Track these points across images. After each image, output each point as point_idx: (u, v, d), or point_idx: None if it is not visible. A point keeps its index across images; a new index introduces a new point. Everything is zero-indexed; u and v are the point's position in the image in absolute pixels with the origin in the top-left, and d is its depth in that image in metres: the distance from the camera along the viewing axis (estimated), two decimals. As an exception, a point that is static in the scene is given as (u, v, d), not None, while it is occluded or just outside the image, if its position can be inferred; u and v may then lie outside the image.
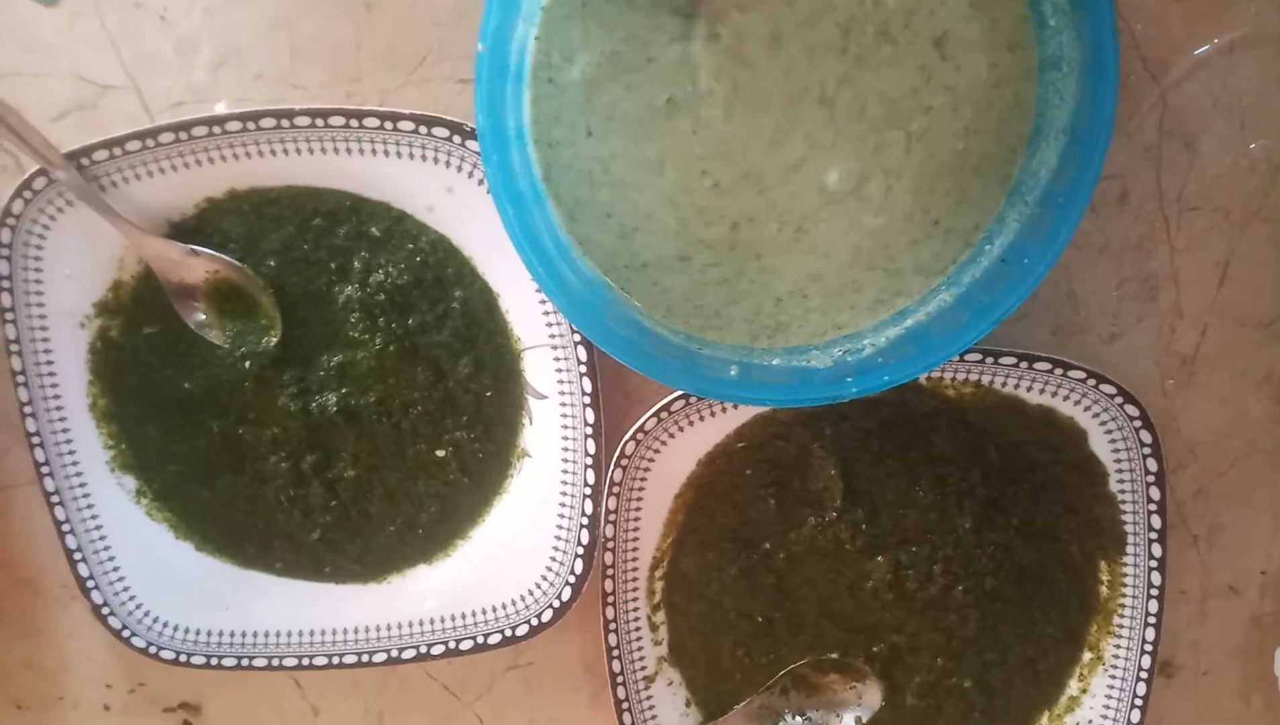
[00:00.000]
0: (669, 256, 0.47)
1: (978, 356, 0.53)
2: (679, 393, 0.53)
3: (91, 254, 0.55)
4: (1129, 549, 0.55)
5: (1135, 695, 0.56)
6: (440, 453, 0.57)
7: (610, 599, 0.56)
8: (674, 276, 0.48)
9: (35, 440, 0.56)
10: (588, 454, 0.54)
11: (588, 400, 0.53)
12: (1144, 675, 0.56)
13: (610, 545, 0.56)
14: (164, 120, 0.53)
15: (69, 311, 0.55)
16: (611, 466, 0.54)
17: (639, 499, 0.56)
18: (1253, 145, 0.52)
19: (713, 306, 0.48)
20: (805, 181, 0.46)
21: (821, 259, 0.47)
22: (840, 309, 0.48)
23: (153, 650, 0.58)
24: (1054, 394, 0.54)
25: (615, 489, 0.55)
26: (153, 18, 0.54)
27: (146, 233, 0.53)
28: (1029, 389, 0.54)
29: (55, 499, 0.56)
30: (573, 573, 0.55)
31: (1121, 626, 0.56)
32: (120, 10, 0.54)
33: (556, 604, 0.56)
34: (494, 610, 0.57)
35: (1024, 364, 0.53)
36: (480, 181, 0.52)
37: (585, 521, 0.55)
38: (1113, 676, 0.57)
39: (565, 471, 0.55)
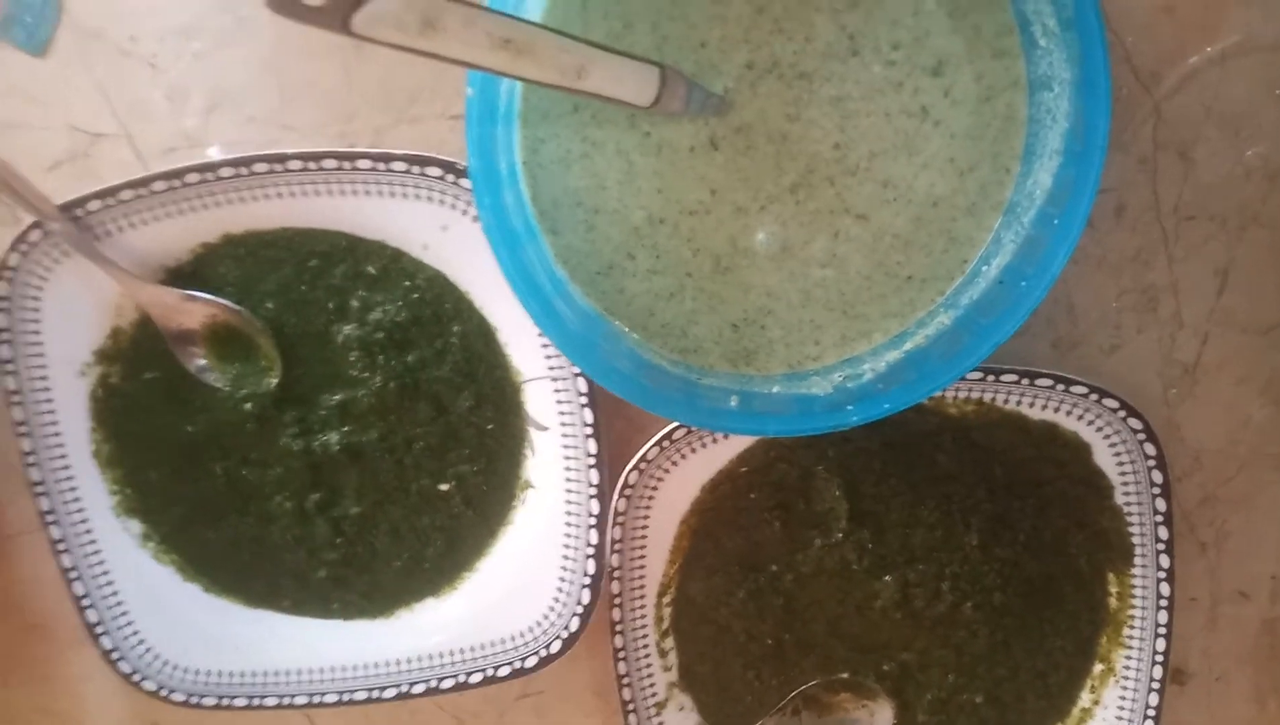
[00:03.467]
0: (619, 251, 0.47)
1: (979, 374, 0.52)
2: (680, 421, 0.53)
3: (89, 303, 0.55)
4: (1137, 561, 0.55)
5: (1148, 706, 0.56)
6: (444, 487, 0.57)
7: (619, 627, 0.56)
8: (627, 279, 0.48)
9: (39, 489, 0.56)
10: (591, 484, 0.54)
11: (589, 431, 0.53)
12: (1156, 686, 0.56)
13: (617, 574, 0.56)
14: (157, 167, 0.53)
15: (69, 360, 0.55)
16: (615, 496, 0.54)
17: (644, 527, 0.56)
18: (1248, 153, 0.52)
19: (677, 325, 0.48)
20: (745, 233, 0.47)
21: (765, 297, 0.48)
22: (804, 343, 0.48)
23: (164, 693, 0.58)
24: (1056, 409, 0.54)
25: (620, 518, 0.55)
26: (142, 65, 0.54)
27: (143, 280, 0.53)
28: (1031, 405, 0.54)
29: (61, 546, 0.56)
30: (580, 603, 0.55)
31: (1132, 638, 0.56)
32: (109, 59, 0.54)
33: (565, 634, 0.56)
34: (502, 642, 0.57)
35: (1025, 381, 0.52)
36: (474, 218, 0.52)
37: (591, 551, 0.55)
38: (1124, 688, 0.57)
39: (569, 502, 0.55)
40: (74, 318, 0.55)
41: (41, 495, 0.56)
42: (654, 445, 0.54)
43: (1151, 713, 0.56)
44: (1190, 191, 0.53)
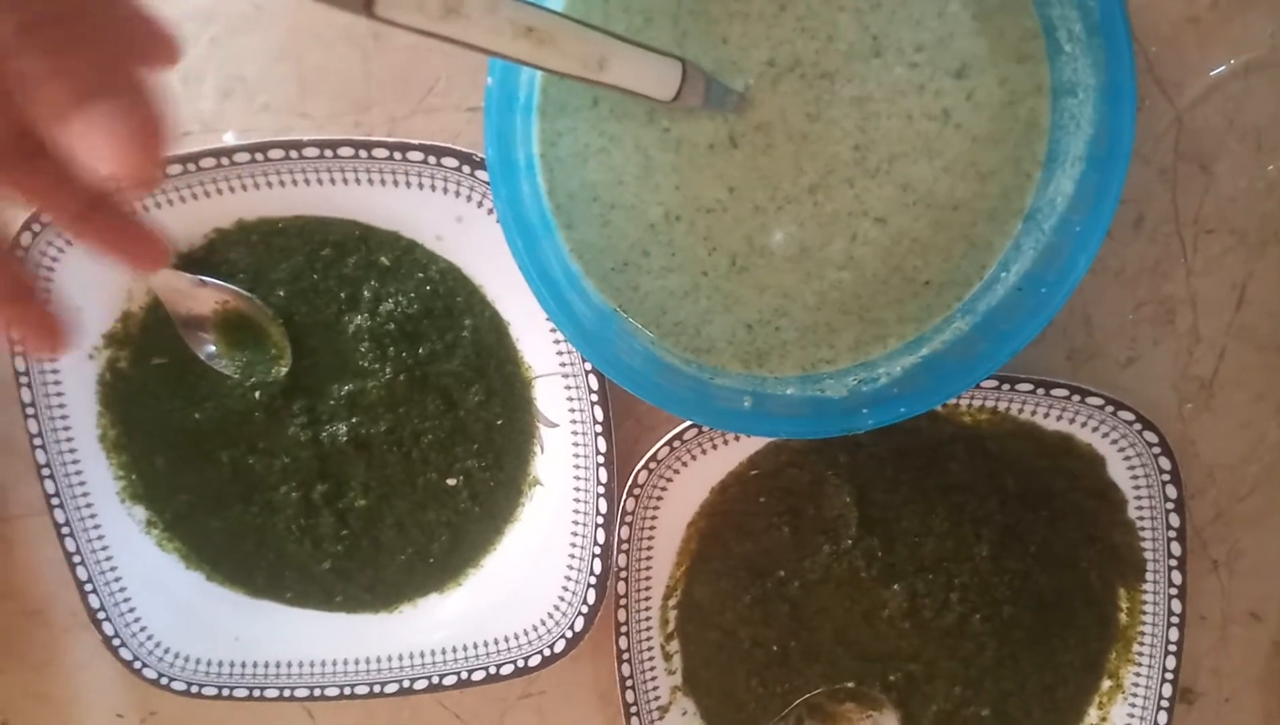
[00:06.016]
0: (634, 248, 0.47)
1: (994, 383, 0.52)
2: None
3: (99, 285, 0.55)
4: (1148, 576, 0.55)
5: (1156, 724, 0.55)
6: (451, 481, 0.57)
7: (623, 629, 0.56)
8: (641, 276, 0.47)
9: (45, 472, 0.56)
10: (600, 483, 0.54)
11: (599, 429, 0.53)
12: (1165, 704, 0.55)
13: (623, 574, 0.55)
14: (171, 151, 0.52)
15: (77, 343, 0.55)
16: (624, 495, 0.54)
17: (651, 527, 0.56)
18: (1270, 167, 0.52)
19: (690, 324, 0.48)
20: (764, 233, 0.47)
21: (780, 298, 0.47)
22: (819, 346, 0.48)
23: (164, 681, 0.57)
24: (1071, 420, 0.53)
25: (628, 518, 0.54)
26: (160, 49, 0.53)
27: (155, 264, 0.53)
28: (1046, 415, 0.53)
29: (66, 530, 0.56)
30: (585, 603, 0.55)
31: (1141, 654, 0.56)
32: (127, 42, 0.53)
33: (569, 634, 0.55)
34: (506, 640, 0.57)
35: (1041, 390, 0.52)
36: (489, 211, 0.52)
37: (598, 551, 0.54)
38: (1133, 705, 0.56)
39: (577, 500, 0.55)
40: (84, 300, 0.55)
41: (47, 478, 0.55)
42: (664, 445, 0.53)
43: (1160, 731, 0.55)
44: (1210, 204, 0.52)
